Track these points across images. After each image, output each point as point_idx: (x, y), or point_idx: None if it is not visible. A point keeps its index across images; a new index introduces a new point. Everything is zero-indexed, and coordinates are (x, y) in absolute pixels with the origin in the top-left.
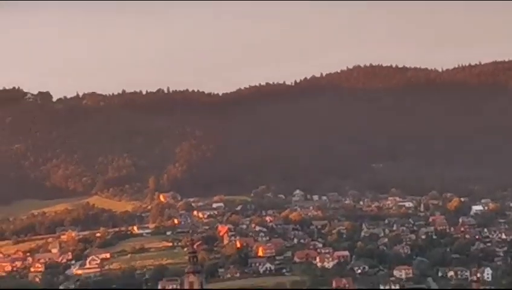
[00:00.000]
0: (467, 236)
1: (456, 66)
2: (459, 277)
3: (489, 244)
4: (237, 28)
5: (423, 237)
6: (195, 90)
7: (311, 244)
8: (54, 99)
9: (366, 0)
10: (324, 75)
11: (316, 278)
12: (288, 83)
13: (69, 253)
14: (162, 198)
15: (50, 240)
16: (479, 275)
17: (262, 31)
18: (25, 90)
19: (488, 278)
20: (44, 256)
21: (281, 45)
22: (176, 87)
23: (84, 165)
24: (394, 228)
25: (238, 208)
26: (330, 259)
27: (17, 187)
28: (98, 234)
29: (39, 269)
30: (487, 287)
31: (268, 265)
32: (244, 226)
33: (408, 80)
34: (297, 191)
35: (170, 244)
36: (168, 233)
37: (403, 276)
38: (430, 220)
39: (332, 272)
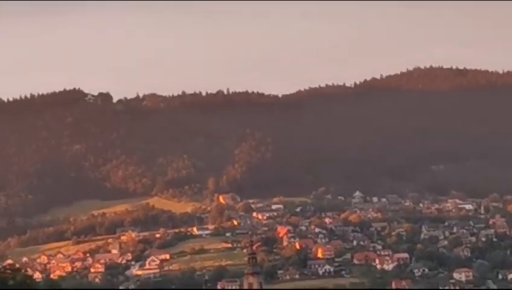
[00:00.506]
0: None
1: None
2: None
3: None
4: (297, 29)
5: (483, 239)
6: (255, 92)
7: (370, 247)
8: (114, 100)
9: (426, 0)
10: (384, 77)
11: (375, 280)
12: (348, 84)
13: (129, 254)
14: (221, 199)
15: (110, 240)
16: None
17: (322, 33)
18: (86, 91)
19: None
20: (105, 257)
21: (340, 47)
22: (235, 89)
23: (144, 166)
24: (454, 230)
25: (298, 209)
26: (390, 261)
27: (77, 188)
28: (158, 235)
29: (99, 270)
30: None
31: (327, 267)
32: (304, 228)
33: (468, 81)
34: (357, 193)
35: (230, 245)
36: (228, 234)
37: (463, 278)
38: (491, 222)
39: (391, 274)
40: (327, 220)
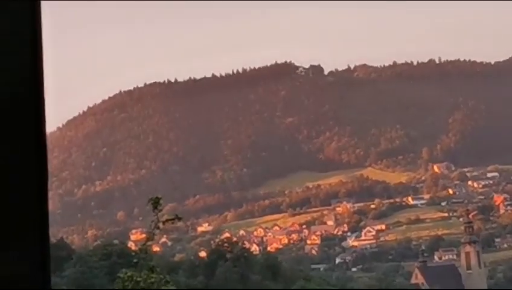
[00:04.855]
0: None
1: None
2: None
3: None
4: None
5: None
6: (467, 60)
7: None
8: (325, 72)
9: None
10: None
11: None
12: None
13: (345, 225)
14: (435, 169)
15: (325, 212)
16: None
17: None
18: (297, 64)
19: None
20: (320, 228)
21: None
22: (447, 57)
23: (357, 137)
24: None
25: None
26: None
27: (291, 160)
28: (373, 206)
29: (315, 242)
30: None
31: None
32: None
33: None
34: None
35: (445, 214)
36: (443, 203)
37: None
38: None
39: None
40: None
